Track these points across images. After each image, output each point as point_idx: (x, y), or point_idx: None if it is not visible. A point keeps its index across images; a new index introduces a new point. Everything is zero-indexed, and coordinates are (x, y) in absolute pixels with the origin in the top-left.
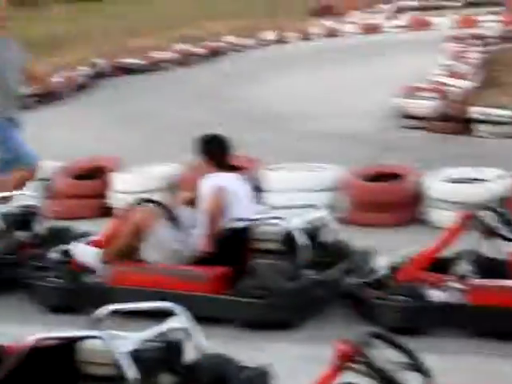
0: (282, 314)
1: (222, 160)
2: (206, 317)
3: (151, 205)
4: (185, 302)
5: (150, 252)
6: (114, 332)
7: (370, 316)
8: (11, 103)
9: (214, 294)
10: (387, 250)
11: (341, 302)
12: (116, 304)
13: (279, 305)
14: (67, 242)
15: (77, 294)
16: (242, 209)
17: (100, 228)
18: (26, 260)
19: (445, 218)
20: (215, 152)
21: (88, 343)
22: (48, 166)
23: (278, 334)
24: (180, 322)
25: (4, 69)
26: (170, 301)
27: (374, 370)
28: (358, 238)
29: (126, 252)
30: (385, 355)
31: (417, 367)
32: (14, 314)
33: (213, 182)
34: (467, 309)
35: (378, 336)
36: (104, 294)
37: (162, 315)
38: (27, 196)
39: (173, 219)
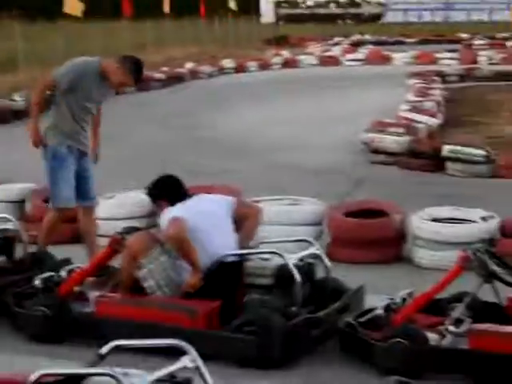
0: (273, 353)
1: (177, 196)
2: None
3: (140, 232)
4: (175, 337)
5: (148, 280)
6: (125, 370)
7: (365, 357)
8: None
9: (205, 329)
10: (374, 288)
11: (336, 341)
12: (122, 340)
13: (271, 343)
14: (49, 269)
15: (64, 324)
16: (217, 235)
17: (78, 253)
18: (8, 287)
19: (430, 257)
20: (168, 193)
21: (95, 381)
22: (18, 188)
23: (271, 373)
24: (191, 360)
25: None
26: (160, 334)
27: None
28: (342, 275)
29: (129, 283)
30: None
31: None
32: None
33: (170, 214)
34: (464, 353)
35: None
36: (93, 326)
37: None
38: (5, 219)
39: (164, 247)
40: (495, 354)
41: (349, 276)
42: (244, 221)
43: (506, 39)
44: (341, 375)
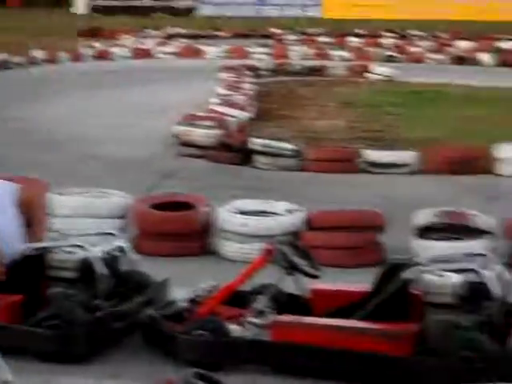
0: (77, 346)
1: None
2: None
3: None
4: None
5: None
6: None
7: (169, 349)
8: None
9: (7, 323)
10: (179, 281)
11: (140, 335)
12: None
13: (74, 336)
14: None
15: None
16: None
17: None
18: None
19: (237, 250)
20: None
21: None
22: None
23: (74, 367)
24: None
25: None
26: None
27: None
28: (147, 268)
29: None
30: None
31: None
32: None
33: None
34: (266, 345)
35: (201, 376)
36: None
37: None
38: None
39: None
40: (297, 345)
41: (155, 269)
42: (29, 209)
43: (318, 35)
44: (145, 368)
